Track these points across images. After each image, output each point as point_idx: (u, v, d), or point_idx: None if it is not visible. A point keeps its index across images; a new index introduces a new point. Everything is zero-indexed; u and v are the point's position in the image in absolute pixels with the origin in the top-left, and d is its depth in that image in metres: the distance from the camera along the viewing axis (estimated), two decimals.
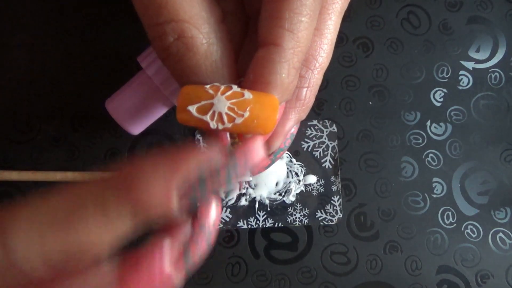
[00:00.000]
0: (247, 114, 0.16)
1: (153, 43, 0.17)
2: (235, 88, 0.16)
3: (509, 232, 0.30)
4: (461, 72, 0.31)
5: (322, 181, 0.30)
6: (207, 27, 0.17)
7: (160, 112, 0.27)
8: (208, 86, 0.16)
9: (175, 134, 0.30)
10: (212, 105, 0.16)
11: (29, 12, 0.30)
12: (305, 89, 0.20)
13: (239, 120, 0.16)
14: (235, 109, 0.16)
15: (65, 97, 0.30)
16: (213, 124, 0.16)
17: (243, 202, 0.29)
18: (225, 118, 0.16)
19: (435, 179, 0.30)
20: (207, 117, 0.16)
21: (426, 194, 0.30)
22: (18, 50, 0.30)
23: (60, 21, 0.30)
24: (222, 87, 0.16)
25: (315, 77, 0.20)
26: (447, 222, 0.30)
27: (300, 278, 0.29)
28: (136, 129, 0.27)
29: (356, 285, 0.29)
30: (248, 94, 0.16)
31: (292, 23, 0.17)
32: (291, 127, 0.21)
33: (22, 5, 0.30)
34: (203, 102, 0.16)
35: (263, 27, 0.17)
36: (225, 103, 0.16)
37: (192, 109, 0.16)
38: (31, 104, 0.30)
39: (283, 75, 0.17)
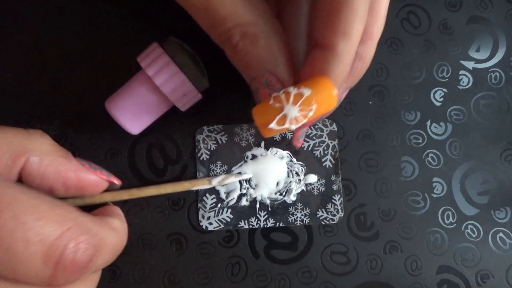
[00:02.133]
0: (314, 106, 0.19)
1: (221, 45, 0.21)
2: (293, 91, 0.19)
3: (509, 232, 0.30)
4: (461, 72, 0.31)
5: (323, 180, 0.30)
6: (265, 24, 0.20)
7: (160, 112, 0.27)
8: (271, 101, 0.20)
9: (175, 134, 0.30)
10: (285, 115, 0.19)
11: (28, 12, 0.30)
12: (357, 61, 0.22)
13: (311, 114, 0.19)
14: (304, 108, 0.19)
15: (65, 97, 0.30)
16: (293, 127, 0.20)
17: (244, 202, 0.29)
18: (300, 118, 0.19)
19: (435, 179, 0.30)
20: (287, 125, 0.20)
21: (426, 194, 0.30)
22: (17, 50, 0.30)
23: (60, 21, 0.30)
24: (283, 96, 0.19)
25: (368, 50, 0.22)
26: (447, 222, 0.30)
27: (300, 278, 0.29)
28: (136, 129, 0.27)
29: (356, 285, 0.29)
30: (306, 91, 0.19)
31: (346, 29, 0.19)
32: (340, 94, 0.24)
33: (22, 5, 0.30)
34: (278, 117, 0.19)
35: (319, 30, 0.20)
36: (294, 108, 0.19)
37: (273, 125, 0.20)
38: (31, 104, 0.30)
39: (337, 72, 0.20)
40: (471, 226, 0.30)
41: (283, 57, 0.21)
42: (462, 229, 0.29)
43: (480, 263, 0.29)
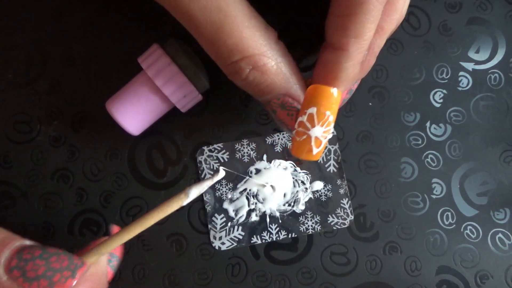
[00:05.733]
0: (328, 113, 0.20)
1: (230, 76, 0.21)
2: (304, 118, 0.20)
3: (508, 233, 0.30)
4: (461, 73, 0.31)
5: (329, 186, 0.30)
6: (271, 51, 0.20)
7: (160, 112, 0.27)
8: (298, 138, 0.21)
9: (175, 135, 0.30)
10: (316, 137, 0.21)
11: (28, 12, 0.30)
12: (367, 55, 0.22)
13: (331, 118, 0.20)
14: (322, 120, 0.20)
15: (65, 97, 0.30)
16: (330, 135, 0.21)
17: (254, 217, 0.29)
18: (328, 126, 0.21)
19: (434, 180, 0.30)
20: (324, 140, 0.21)
21: (425, 195, 0.30)
22: (17, 50, 0.30)
23: (60, 21, 0.30)
24: (301, 129, 0.21)
25: (377, 43, 0.22)
26: (447, 223, 0.30)
27: (300, 278, 0.29)
28: (137, 129, 0.27)
29: (356, 286, 0.29)
30: (312, 110, 0.20)
31: (359, 31, 0.19)
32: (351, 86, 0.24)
33: (22, 5, 0.30)
34: (313, 144, 0.21)
35: (331, 33, 0.20)
36: (317, 128, 0.20)
37: (316, 150, 0.21)
38: (31, 104, 0.29)
39: (349, 71, 0.20)
40: (471, 227, 0.30)
41: (295, 76, 0.21)
42: (462, 230, 0.30)
43: (479, 263, 0.29)
